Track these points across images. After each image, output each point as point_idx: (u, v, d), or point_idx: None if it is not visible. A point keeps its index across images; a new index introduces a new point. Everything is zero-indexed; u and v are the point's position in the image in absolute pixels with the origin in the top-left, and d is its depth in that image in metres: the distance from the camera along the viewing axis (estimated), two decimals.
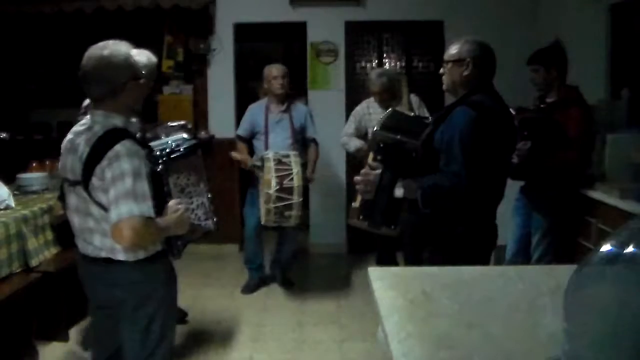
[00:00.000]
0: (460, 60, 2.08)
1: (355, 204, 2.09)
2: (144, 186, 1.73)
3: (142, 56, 2.65)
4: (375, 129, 2.07)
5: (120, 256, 1.81)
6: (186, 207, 1.95)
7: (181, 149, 1.97)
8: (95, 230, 1.81)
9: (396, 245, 3.89)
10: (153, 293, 1.90)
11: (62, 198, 2.39)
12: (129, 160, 1.70)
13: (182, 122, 2.55)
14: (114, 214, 1.68)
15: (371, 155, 2.02)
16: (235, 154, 3.99)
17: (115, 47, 1.80)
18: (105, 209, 1.74)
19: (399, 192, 1.96)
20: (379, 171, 1.99)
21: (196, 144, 2.08)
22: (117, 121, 1.80)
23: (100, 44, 1.82)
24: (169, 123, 2.26)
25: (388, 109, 3.88)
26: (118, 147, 1.71)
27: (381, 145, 1.99)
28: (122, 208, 1.67)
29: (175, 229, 1.88)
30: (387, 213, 2.02)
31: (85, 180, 1.75)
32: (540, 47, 3.46)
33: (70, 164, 1.82)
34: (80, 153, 1.77)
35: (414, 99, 4.01)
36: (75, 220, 1.87)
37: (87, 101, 2.56)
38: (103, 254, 1.83)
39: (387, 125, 2.05)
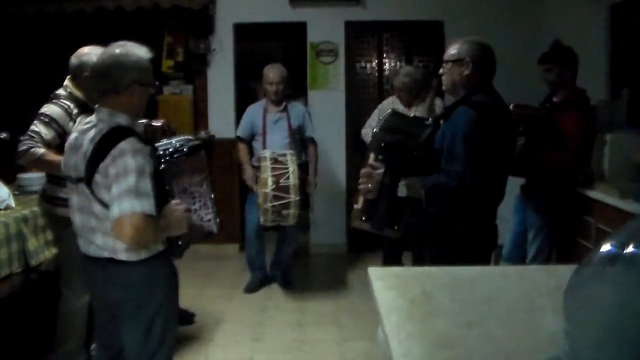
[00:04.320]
0: (459, 60, 2.08)
1: (357, 206, 2.08)
2: (147, 184, 1.73)
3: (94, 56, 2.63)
4: (374, 130, 2.07)
5: (123, 256, 1.81)
6: (186, 207, 1.94)
7: (184, 149, 1.98)
8: (97, 229, 1.81)
9: (403, 245, 3.90)
10: (154, 293, 1.89)
11: None
12: (133, 158, 1.71)
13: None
14: (116, 210, 1.68)
15: (372, 156, 2.00)
16: (248, 179, 4.00)
17: (129, 48, 1.82)
18: (107, 206, 1.74)
19: (402, 191, 1.95)
20: (381, 170, 1.97)
21: (200, 144, 2.09)
22: (122, 120, 1.81)
23: (120, 42, 1.84)
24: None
25: (409, 106, 3.95)
26: (122, 145, 1.72)
27: (382, 144, 1.99)
28: (124, 204, 1.67)
29: (174, 230, 1.86)
30: (390, 213, 2.01)
31: (88, 178, 1.75)
32: (554, 47, 3.46)
33: (73, 161, 1.83)
34: (84, 151, 1.78)
35: (438, 102, 4.07)
36: (78, 219, 1.87)
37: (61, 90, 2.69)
38: (105, 254, 1.82)
39: (386, 127, 2.05)
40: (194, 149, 2.02)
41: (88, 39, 2.69)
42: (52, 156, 2.48)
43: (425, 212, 1.95)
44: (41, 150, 2.49)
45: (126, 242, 1.73)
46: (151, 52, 1.89)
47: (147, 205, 1.70)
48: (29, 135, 2.53)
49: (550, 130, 2.95)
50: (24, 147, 2.50)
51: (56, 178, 2.54)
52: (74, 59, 2.67)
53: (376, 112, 4.21)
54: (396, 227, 2.05)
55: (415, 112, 3.91)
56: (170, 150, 1.94)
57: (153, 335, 1.90)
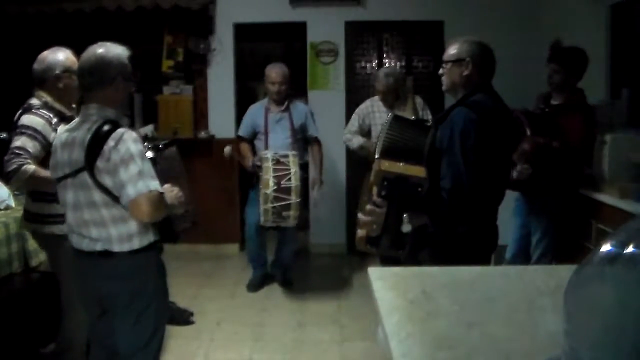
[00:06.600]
0: (459, 60, 2.08)
1: (361, 233, 2.03)
2: (150, 167, 1.86)
3: (59, 54, 2.56)
4: (376, 156, 1.95)
5: (116, 247, 1.88)
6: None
7: (160, 145, 2.17)
8: (91, 221, 1.87)
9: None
10: (146, 284, 1.95)
11: None
12: (134, 144, 1.82)
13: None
14: (132, 191, 1.78)
15: (375, 190, 1.92)
16: (236, 153, 4.02)
17: (110, 47, 1.95)
18: (109, 193, 1.82)
19: (406, 228, 1.92)
20: (384, 209, 1.91)
21: (171, 141, 2.33)
22: (110, 113, 1.91)
23: (98, 43, 1.96)
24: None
25: (392, 108, 3.91)
26: (122, 130, 1.84)
27: (385, 182, 1.89)
28: (139, 184, 1.79)
29: (175, 207, 2.00)
30: (394, 243, 1.99)
31: (89, 165, 1.81)
32: (565, 48, 3.43)
33: (67, 156, 1.88)
34: (81, 141, 1.84)
35: (418, 100, 4.02)
36: (71, 216, 1.92)
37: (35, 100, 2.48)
38: (99, 247, 1.88)
39: (388, 149, 1.93)
40: (168, 144, 2.24)
41: (88, 39, 2.68)
42: (44, 172, 2.23)
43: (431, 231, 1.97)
44: (32, 167, 2.27)
45: (145, 219, 1.84)
46: (129, 50, 1.99)
47: (156, 184, 1.84)
48: (15, 152, 2.29)
49: (558, 156, 2.93)
50: (14, 167, 2.26)
51: (43, 195, 2.40)
52: (37, 65, 2.50)
53: (355, 117, 4.07)
54: (400, 252, 2.04)
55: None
56: (150, 146, 2.12)
57: (145, 327, 1.95)
